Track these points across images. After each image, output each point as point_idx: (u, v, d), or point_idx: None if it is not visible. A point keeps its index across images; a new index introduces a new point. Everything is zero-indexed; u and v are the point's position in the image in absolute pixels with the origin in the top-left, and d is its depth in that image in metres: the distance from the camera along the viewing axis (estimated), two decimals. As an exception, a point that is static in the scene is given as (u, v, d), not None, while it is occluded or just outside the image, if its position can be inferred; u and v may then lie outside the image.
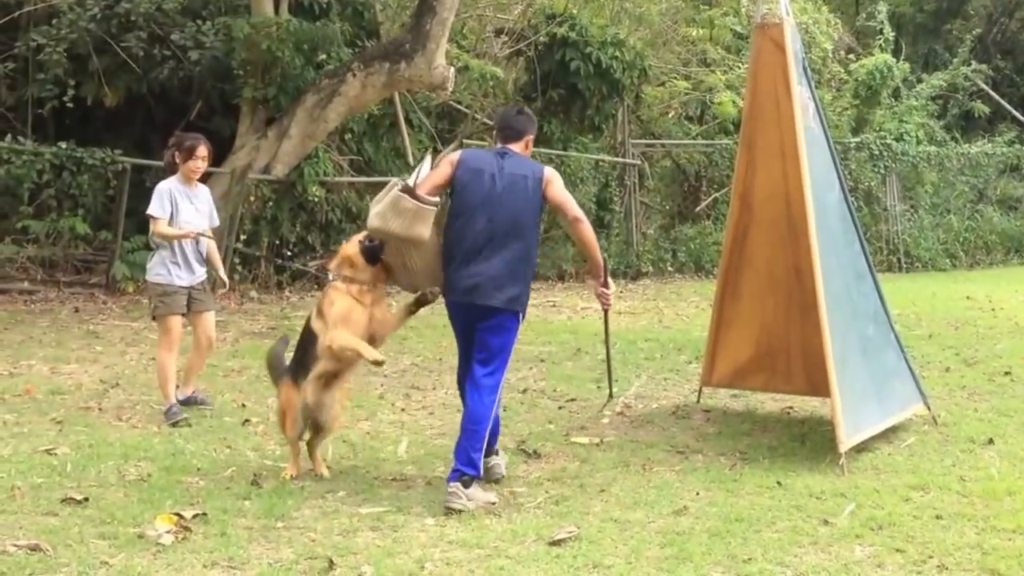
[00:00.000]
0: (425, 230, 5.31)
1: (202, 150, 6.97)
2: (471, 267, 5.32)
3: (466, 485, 5.13)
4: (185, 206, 6.91)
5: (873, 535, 4.76)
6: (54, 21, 13.25)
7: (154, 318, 7.07)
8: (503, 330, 5.36)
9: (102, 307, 11.92)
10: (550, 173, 5.56)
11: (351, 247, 5.59)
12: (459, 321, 5.51)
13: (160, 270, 6.86)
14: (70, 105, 13.03)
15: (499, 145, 5.64)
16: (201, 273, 7.03)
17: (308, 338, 5.59)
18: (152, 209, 6.83)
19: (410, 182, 5.36)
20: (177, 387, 7.01)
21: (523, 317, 5.47)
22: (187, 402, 7.06)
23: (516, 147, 5.61)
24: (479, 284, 5.30)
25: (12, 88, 13.72)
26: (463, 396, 5.55)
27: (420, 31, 13.14)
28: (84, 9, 13.18)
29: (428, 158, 5.83)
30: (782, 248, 6.80)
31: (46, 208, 12.50)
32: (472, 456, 5.19)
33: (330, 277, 5.65)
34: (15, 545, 4.42)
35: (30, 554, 4.34)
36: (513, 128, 5.68)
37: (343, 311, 5.46)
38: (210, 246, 7.16)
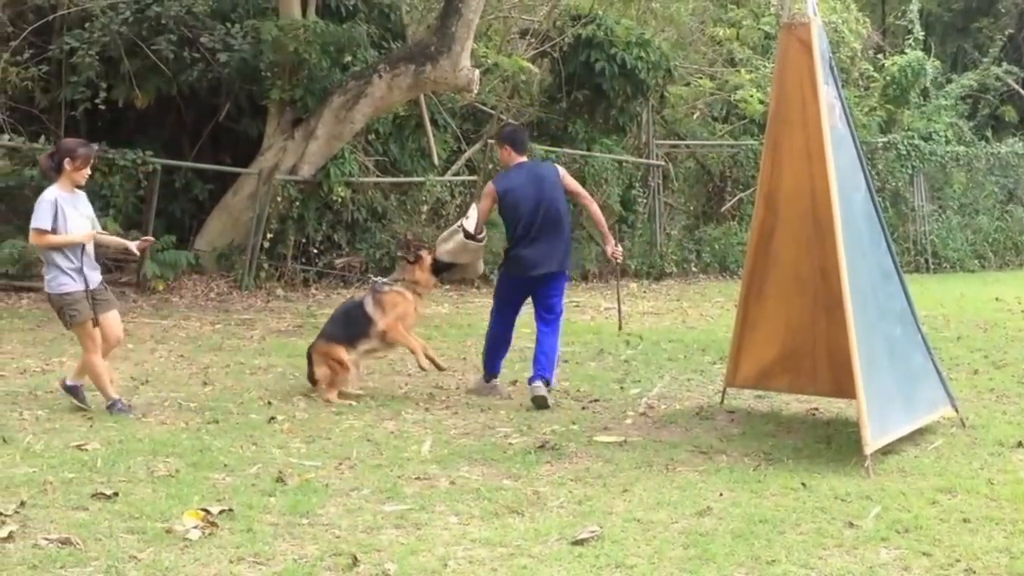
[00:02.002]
0: (480, 258, 8.04)
1: (91, 160, 6.98)
2: (536, 249, 7.49)
3: (547, 384, 7.42)
4: (72, 214, 6.78)
5: (899, 538, 4.74)
6: (86, 25, 13.42)
7: (68, 327, 6.97)
8: (561, 286, 7.77)
9: (132, 305, 12.05)
10: (560, 169, 7.89)
11: (425, 265, 7.63)
12: (520, 291, 7.77)
13: (63, 279, 6.76)
14: (102, 107, 13.19)
15: (512, 155, 7.68)
16: (98, 275, 7.00)
17: (358, 317, 7.52)
18: (39, 222, 6.67)
19: (469, 228, 7.58)
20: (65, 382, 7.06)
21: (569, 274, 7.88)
22: (72, 391, 7.00)
23: (524, 157, 7.77)
24: (545, 260, 7.52)
25: (46, 90, 13.89)
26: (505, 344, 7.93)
27: (445, 33, 13.19)
28: (116, 13, 13.35)
29: (474, 208, 7.82)
30: (808, 248, 6.78)
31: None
32: (551, 369, 7.56)
33: (380, 283, 7.71)
34: (47, 539, 4.49)
35: (61, 547, 4.40)
36: (524, 142, 7.92)
37: (402, 312, 7.55)
38: (102, 239, 7.18)
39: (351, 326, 7.64)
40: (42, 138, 12.70)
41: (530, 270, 7.57)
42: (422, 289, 7.73)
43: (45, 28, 13.89)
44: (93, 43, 13.12)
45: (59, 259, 6.78)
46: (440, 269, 7.80)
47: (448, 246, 7.68)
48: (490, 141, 15.62)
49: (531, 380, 7.53)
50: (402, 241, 8.53)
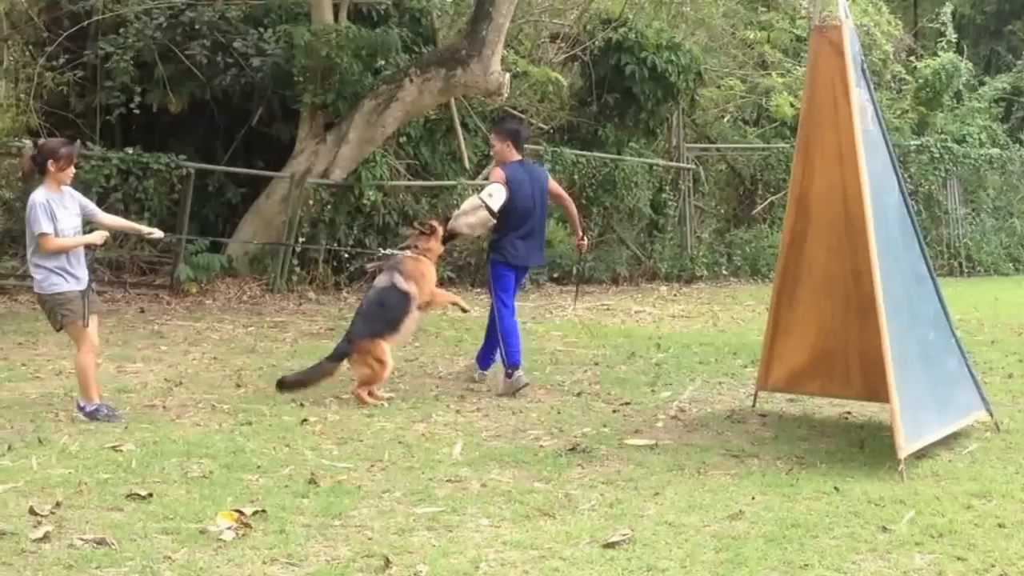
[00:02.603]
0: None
1: (74, 158, 6.95)
2: (529, 243, 8.12)
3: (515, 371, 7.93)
4: (62, 214, 6.73)
5: (933, 543, 4.70)
6: (121, 30, 13.58)
7: (60, 329, 6.90)
8: (523, 278, 8.71)
9: (166, 307, 12.17)
10: (546, 172, 8.85)
11: (439, 235, 7.94)
12: (515, 278, 8.23)
13: (55, 280, 6.71)
14: (136, 111, 13.35)
15: (512, 151, 8.14)
16: (87, 276, 6.94)
17: (395, 298, 7.62)
18: (42, 226, 6.61)
19: (494, 206, 7.86)
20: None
21: None
22: (92, 415, 6.82)
23: (520, 155, 8.28)
24: (533, 253, 8.25)
25: (81, 95, 14.08)
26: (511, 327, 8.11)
27: (476, 37, 13.23)
28: (150, 18, 13.50)
29: (497, 187, 7.97)
30: (839, 251, 6.74)
31: (113, 211, 12.71)
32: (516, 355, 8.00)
33: (398, 255, 7.90)
34: (82, 539, 4.53)
35: (96, 547, 4.45)
36: (524, 141, 8.58)
37: (431, 276, 7.89)
38: (115, 224, 7.23)
39: (390, 310, 7.63)
40: (77, 142, 12.82)
41: (524, 260, 8.25)
42: (434, 257, 8.03)
43: (80, 34, 14.07)
44: (128, 48, 13.28)
45: (50, 260, 6.71)
46: (447, 239, 8.24)
47: (470, 219, 8.03)
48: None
49: (486, 368, 8.40)
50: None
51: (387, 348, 7.55)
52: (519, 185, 8.02)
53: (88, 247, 7.11)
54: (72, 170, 6.91)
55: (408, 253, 7.86)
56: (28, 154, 7.06)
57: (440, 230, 7.99)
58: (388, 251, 8.26)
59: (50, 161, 6.73)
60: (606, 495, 5.38)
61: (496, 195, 7.89)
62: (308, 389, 7.54)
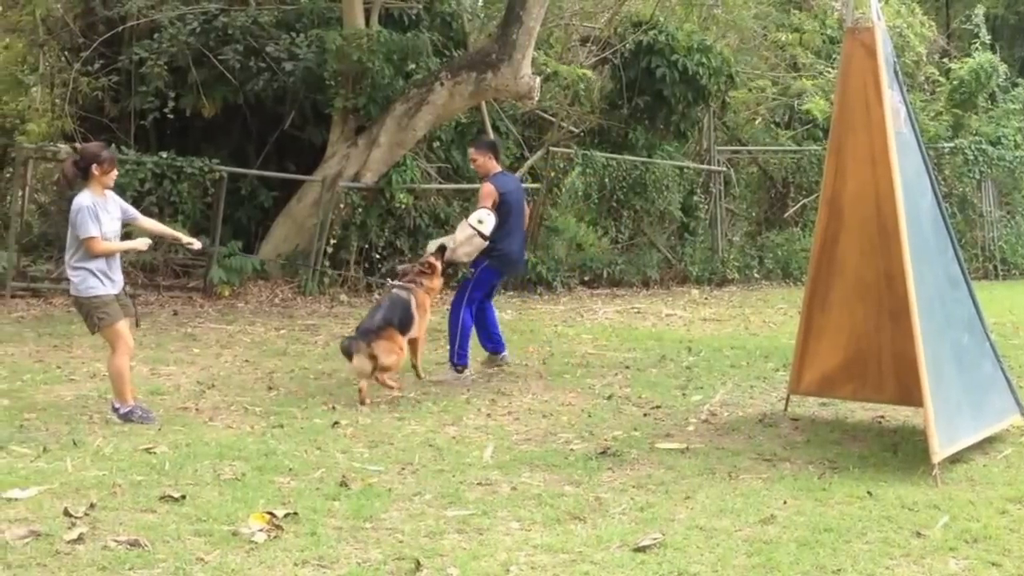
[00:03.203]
0: None
1: (116, 162, 7.07)
2: (519, 246, 8.80)
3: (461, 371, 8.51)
4: (106, 218, 6.83)
5: (968, 548, 4.66)
6: (155, 36, 13.72)
7: (96, 331, 6.97)
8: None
9: (199, 310, 12.27)
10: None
11: (438, 271, 8.30)
12: (498, 283, 9.04)
13: (92, 282, 6.79)
14: (170, 116, 13.48)
15: (494, 163, 8.72)
16: (122, 280, 7.03)
17: (403, 312, 7.92)
18: (89, 230, 6.69)
19: (486, 231, 8.24)
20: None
21: None
22: (126, 417, 6.90)
23: (500, 165, 8.94)
24: (522, 255, 9.04)
25: (116, 100, 14.23)
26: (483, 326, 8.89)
27: (507, 41, 13.24)
28: (184, 24, 13.63)
29: (486, 212, 8.33)
30: (872, 254, 6.70)
31: (148, 215, 12.87)
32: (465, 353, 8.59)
33: (402, 287, 8.14)
34: (116, 540, 4.58)
35: (130, 549, 4.50)
36: (501, 154, 9.34)
37: (428, 313, 8.29)
38: (155, 228, 7.29)
39: (402, 315, 7.94)
40: (112, 147, 12.98)
41: (516, 264, 9.08)
42: (434, 294, 8.45)
43: (115, 39, 14.24)
44: (162, 53, 13.42)
45: (91, 263, 6.80)
46: (445, 269, 8.59)
47: (467, 248, 8.34)
48: (552, 148, 15.69)
49: (501, 351, 8.98)
50: (401, 271, 8.90)
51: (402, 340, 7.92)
52: (510, 194, 8.58)
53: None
54: (115, 173, 7.04)
55: (422, 291, 8.17)
56: (70, 159, 7.10)
57: (439, 266, 8.33)
58: (392, 284, 8.42)
59: (94, 165, 6.85)
60: (637, 499, 5.37)
61: (486, 220, 8.29)
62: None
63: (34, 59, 15.20)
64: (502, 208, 8.45)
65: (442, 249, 8.43)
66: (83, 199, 6.80)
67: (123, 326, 6.91)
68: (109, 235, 6.85)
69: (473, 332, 8.77)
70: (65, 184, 6.99)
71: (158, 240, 7.16)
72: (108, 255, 6.83)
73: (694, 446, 6.47)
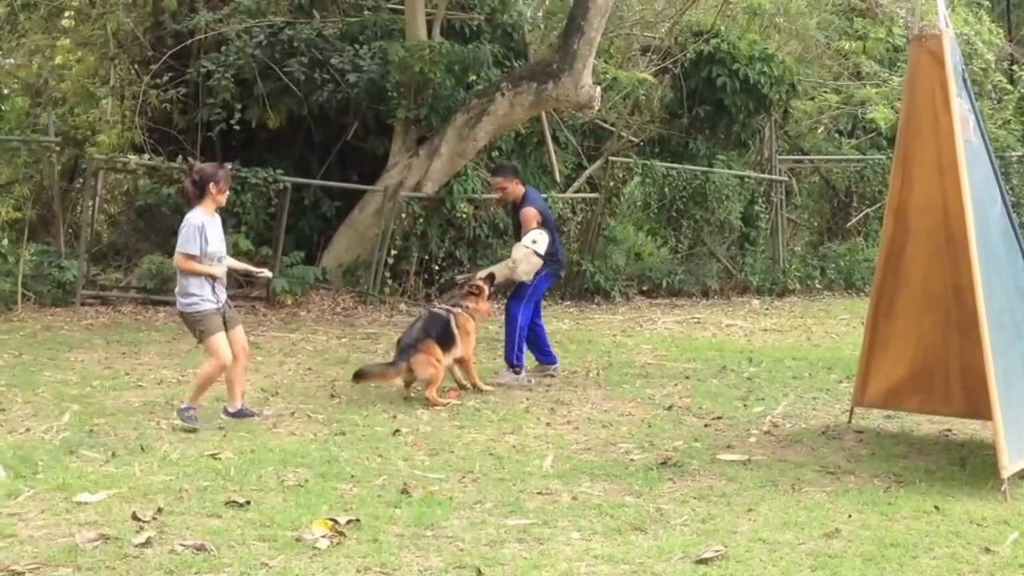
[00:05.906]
0: None
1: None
2: (563, 249, 9.56)
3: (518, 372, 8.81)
4: (213, 237, 7.08)
5: (1038, 565, 4.57)
6: (222, 48, 13.95)
7: (201, 342, 7.28)
8: None
9: (262, 319, 12.44)
10: None
11: (485, 295, 8.50)
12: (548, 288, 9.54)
13: (193, 299, 7.06)
14: (236, 127, 13.68)
15: (519, 185, 9.01)
16: (225, 293, 7.29)
17: (444, 328, 8.10)
18: (189, 247, 6.99)
19: (541, 250, 8.58)
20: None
21: None
22: (239, 415, 7.28)
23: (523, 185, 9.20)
24: (564, 257, 9.88)
25: (184, 112, 14.48)
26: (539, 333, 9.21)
27: (567, 51, 13.25)
28: (250, 37, 13.85)
29: (540, 232, 8.67)
30: (939, 264, 6.59)
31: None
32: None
33: (450, 308, 8.39)
34: (182, 544, 4.66)
35: (196, 553, 4.58)
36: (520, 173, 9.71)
37: (473, 336, 8.40)
38: (230, 264, 7.44)
39: (441, 331, 8.12)
40: (179, 158, 13.25)
41: (563, 265, 9.79)
42: (479, 317, 8.52)
43: (183, 52, 14.51)
44: (228, 66, 13.64)
45: (193, 279, 7.10)
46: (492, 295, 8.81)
47: (525, 267, 8.62)
48: (611, 158, 15.66)
49: (553, 361, 9.23)
50: (460, 280, 9.26)
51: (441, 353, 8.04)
52: (544, 207, 9.13)
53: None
54: (227, 192, 7.32)
55: (466, 314, 8.34)
56: (187, 179, 7.35)
57: (487, 290, 8.53)
58: (436, 307, 8.66)
59: (211, 184, 7.13)
60: (698, 510, 5.34)
61: (540, 240, 8.62)
62: (380, 386, 8.20)
63: (105, 72, 15.53)
64: (544, 223, 8.84)
65: (491, 277, 8.65)
66: (194, 217, 7.09)
67: (221, 338, 7.13)
68: (217, 253, 7.14)
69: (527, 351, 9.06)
70: (188, 203, 7.33)
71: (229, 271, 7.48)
72: (192, 273, 7.08)
73: (756, 458, 6.41)
